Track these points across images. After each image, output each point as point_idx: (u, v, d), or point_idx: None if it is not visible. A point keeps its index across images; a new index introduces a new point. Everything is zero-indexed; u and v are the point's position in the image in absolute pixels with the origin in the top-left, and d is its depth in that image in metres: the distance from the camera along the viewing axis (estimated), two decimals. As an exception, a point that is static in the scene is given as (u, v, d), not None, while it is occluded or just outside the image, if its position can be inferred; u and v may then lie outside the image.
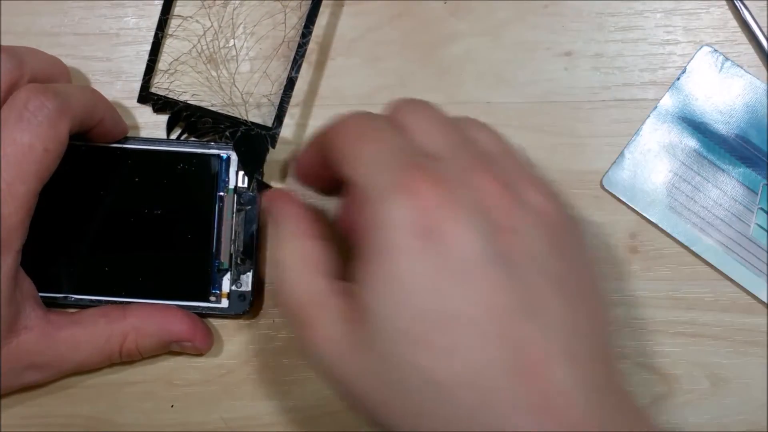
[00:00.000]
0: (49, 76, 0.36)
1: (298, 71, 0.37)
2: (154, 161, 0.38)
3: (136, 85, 0.40)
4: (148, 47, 0.40)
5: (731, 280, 0.39)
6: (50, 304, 0.36)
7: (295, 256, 0.31)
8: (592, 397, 0.27)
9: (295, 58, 0.37)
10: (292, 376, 0.39)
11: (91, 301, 0.37)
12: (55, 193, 0.35)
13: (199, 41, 0.40)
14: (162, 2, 0.39)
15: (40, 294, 0.36)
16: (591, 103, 0.40)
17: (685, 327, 0.39)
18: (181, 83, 0.40)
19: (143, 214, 0.38)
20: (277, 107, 0.38)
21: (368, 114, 0.31)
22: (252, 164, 0.37)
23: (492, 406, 0.27)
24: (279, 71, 0.39)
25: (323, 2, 0.38)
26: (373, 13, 0.40)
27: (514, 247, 0.28)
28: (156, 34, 0.39)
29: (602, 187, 0.39)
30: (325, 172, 0.32)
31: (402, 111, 0.31)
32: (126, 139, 0.38)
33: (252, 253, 0.38)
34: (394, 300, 0.27)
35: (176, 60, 0.40)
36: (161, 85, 0.40)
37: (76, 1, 0.41)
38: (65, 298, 0.37)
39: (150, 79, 0.39)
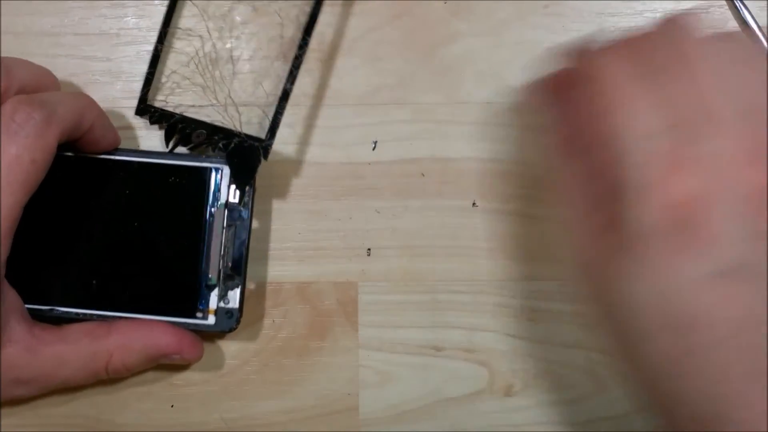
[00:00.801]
0: (37, 86, 0.35)
1: (293, 83, 0.37)
2: (144, 173, 0.37)
3: (136, 85, 0.40)
4: (149, 47, 0.40)
5: (731, 280, 0.39)
6: (36, 317, 0.36)
7: None
8: None
9: (291, 69, 0.37)
10: (292, 376, 0.39)
11: (77, 314, 0.37)
12: (44, 203, 0.34)
13: (197, 53, 0.39)
14: (164, 13, 0.39)
15: (26, 305, 0.35)
16: (591, 103, 0.40)
17: None
18: (179, 94, 0.39)
19: (132, 227, 0.37)
20: (271, 119, 0.37)
21: (642, 59, 0.29)
22: (244, 176, 0.37)
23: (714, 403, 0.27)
24: (275, 82, 0.39)
25: (323, 3, 0.37)
26: (374, 13, 0.40)
27: None
28: (156, 47, 0.39)
29: (602, 187, 0.39)
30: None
31: (678, 50, 0.29)
32: (116, 151, 0.37)
33: (241, 269, 0.37)
34: (644, 294, 0.28)
35: (174, 72, 0.39)
36: (158, 96, 0.39)
37: (76, 1, 0.41)
38: (51, 310, 0.37)
39: (148, 91, 0.39)
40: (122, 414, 0.38)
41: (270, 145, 0.37)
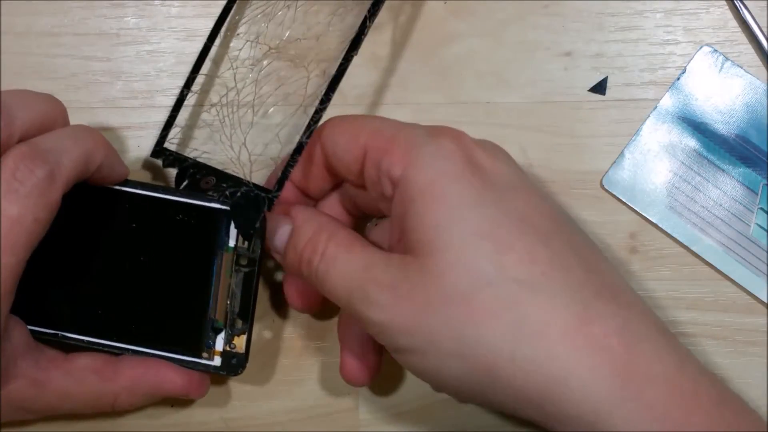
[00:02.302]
0: (42, 124, 0.33)
1: (308, 137, 0.35)
2: (156, 208, 0.36)
3: (136, 85, 0.40)
4: (149, 47, 0.40)
5: (731, 280, 0.39)
6: (41, 340, 0.35)
7: (341, 238, 0.33)
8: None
9: (309, 123, 0.35)
10: (292, 376, 0.39)
11: (82, 341, 0.36)
12: (55, 229, 0.32)
13: (220, 99, 0.39)
14: (194, 60, 0.39)
15: (33, 328, 0.35)
16: (591, 103, 0.40)
17: (685, 327, 0.39)
18: (197, 137, 0.39)
19: (140, 260, 0.36)
20: (281, 170, 0.35)
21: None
22: (245, 226, 0.36)
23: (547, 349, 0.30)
24: (292, 133, 0.39)
25: (352, 60, 0.36)
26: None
27: None
28: (181, 91, 0.38)
29: (602, 187, 0.39)
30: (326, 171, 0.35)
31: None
32: (128, 182, 0.36)
33: (248, 315, 0.36)
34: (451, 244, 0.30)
35: (197, 115, 0.39)
36: (173, 140, 0.39)
37: (76, 1, 0.41)
38: (56, 335, 0.36)
39: (167, 134, 0.38)
40: (122, 414, 0.38)
41: (276, 197, 0.35)
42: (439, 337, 0.30)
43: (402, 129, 0.33)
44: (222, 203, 0.36)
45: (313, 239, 0.33)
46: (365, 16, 0.35)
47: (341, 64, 0.35)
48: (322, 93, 0.35)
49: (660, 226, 0.39)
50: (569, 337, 0.29)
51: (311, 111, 0.35)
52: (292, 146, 0.35)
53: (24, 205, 0.31)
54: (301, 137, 0.35)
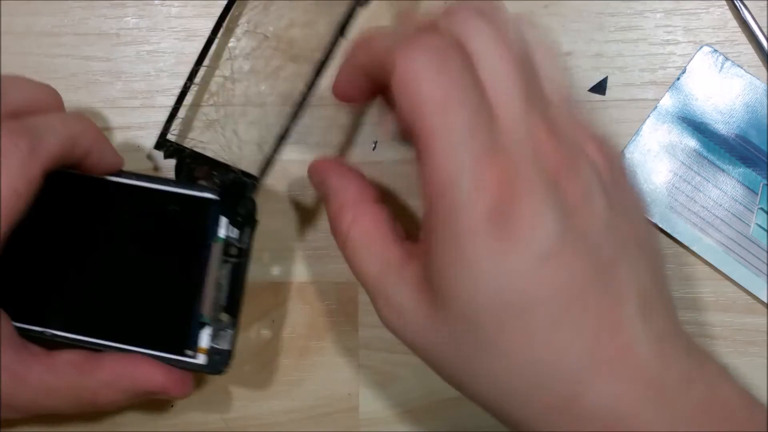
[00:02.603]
0: (31, 107, 0.33)
1: (291, 122, 0.35)
2: (143, 199, 0.36)
3: (136, 85, 0.40)
4: (149, 47, 0.40)
5: (731, 280, 0.39)
6: (26, 337, 0.35)
7: (362, 226, 0.32)
8: (665, 347, 0.29)
9: (295, 111, 0.35)
10: (292, 376, 0.39)
11: (66, 338, 0.36)
12: (40, 220, 0.32)
13: (217, 90, 0.39)
14: (198, 52, 0.38)
15: (19, 324, 0.35)
16: (591, 103, 0.40)
17: (685, 327, 0.38)
18: (194, 128, 0.39)
19: (127, 255, 0.36)
20: (266, 157, 0.36)
21: (436, 48, 0.28)
22: (232, 212, 0.35)
23: (570, 374, 0.28)
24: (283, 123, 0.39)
25: (338, 43, 0.36)
26: (374, 12, 0.40)
27: (584, 220, 0.28)
28: (185, 84, 0.38)
29: (602, 187, 0.39)
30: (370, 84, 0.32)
31: (467, 32, 0.29)
32: (121, 173, 0.36)
33: (236, 309, 0.36)
34: (467, 287, 0.28)
35: (196, 105, 0.39)
36: (173, 131, 0.39)
37: (76, 1, 0.41)
38: (42, 332, 0.36)
39: (170, 127, 0.38)
40: (122, 414, 0.38)
41: (257, 183, 0.35)
42: (458, 354, 0.29)
43: (452, 152, 0.29)
44: (212, 192, 0.36)
45: (339, 213, 0.33)
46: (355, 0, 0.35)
47: (327, 47, 0.35)
48: (309, 79, 0.35)
49: (660, 226, 0.39)
50: (600, 347, 0.28)
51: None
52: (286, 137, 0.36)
53: (5, 175, 0.31)
54: (288, 124, 0.35)
